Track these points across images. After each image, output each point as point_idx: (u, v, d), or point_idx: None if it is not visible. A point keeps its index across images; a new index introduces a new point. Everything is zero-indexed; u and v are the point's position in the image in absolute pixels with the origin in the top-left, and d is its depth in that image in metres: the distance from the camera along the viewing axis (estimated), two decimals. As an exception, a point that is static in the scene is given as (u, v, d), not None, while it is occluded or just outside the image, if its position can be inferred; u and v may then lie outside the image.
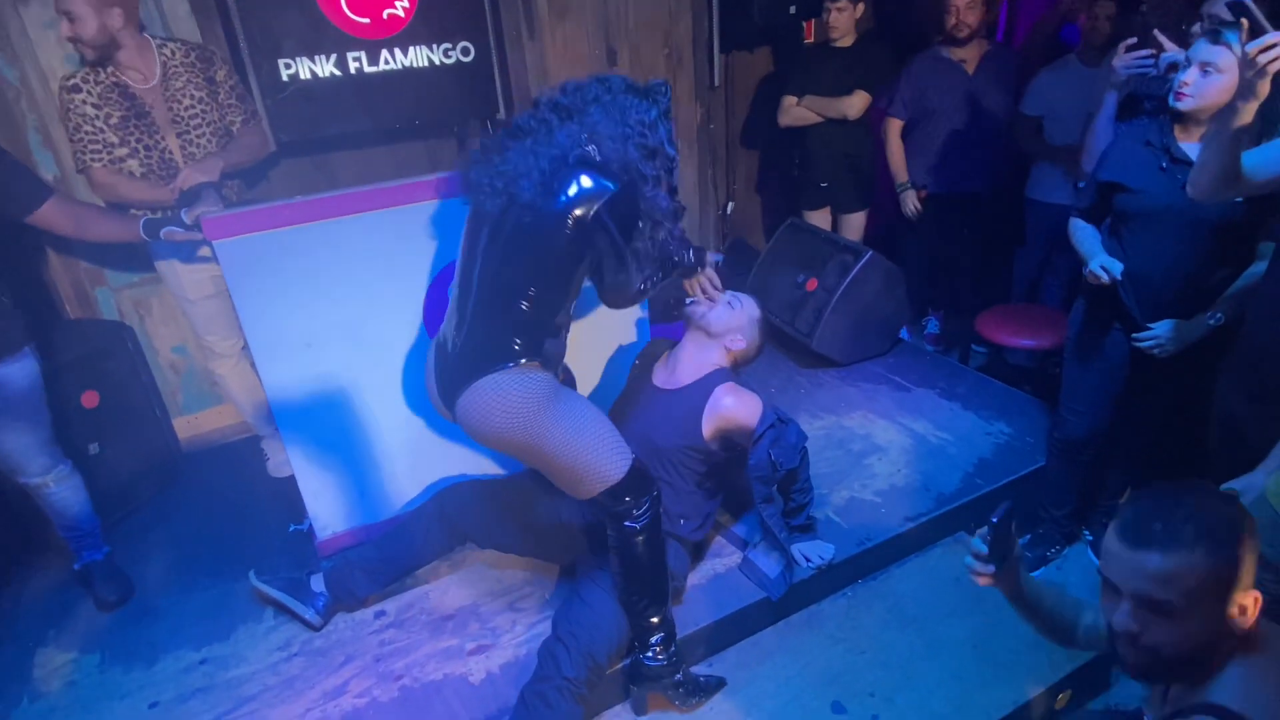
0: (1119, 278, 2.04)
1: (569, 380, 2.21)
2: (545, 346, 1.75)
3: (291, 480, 2.34)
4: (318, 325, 2.14)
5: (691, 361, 2.14)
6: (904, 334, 3.60)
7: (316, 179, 3.11)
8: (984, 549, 1.32)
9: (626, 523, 1.80)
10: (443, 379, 1.81)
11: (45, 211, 2.14)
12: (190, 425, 3.15)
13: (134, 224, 2.26)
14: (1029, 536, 2.69)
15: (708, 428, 2.04)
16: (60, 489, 2.25)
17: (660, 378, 2.20)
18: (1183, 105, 1.92)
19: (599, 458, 1.74)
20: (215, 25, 2.78)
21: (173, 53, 2.41)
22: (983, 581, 1.35)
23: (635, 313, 2.61)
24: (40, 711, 1.99)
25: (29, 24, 2.56)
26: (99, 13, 2.20)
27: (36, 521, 2.45)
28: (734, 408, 2.03)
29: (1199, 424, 2.23)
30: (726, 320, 2.14)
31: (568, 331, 1.86)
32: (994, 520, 1.31)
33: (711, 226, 4.22)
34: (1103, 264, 2.04)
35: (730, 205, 4.23)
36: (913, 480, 2.59)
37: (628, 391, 2.34)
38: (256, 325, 2.08)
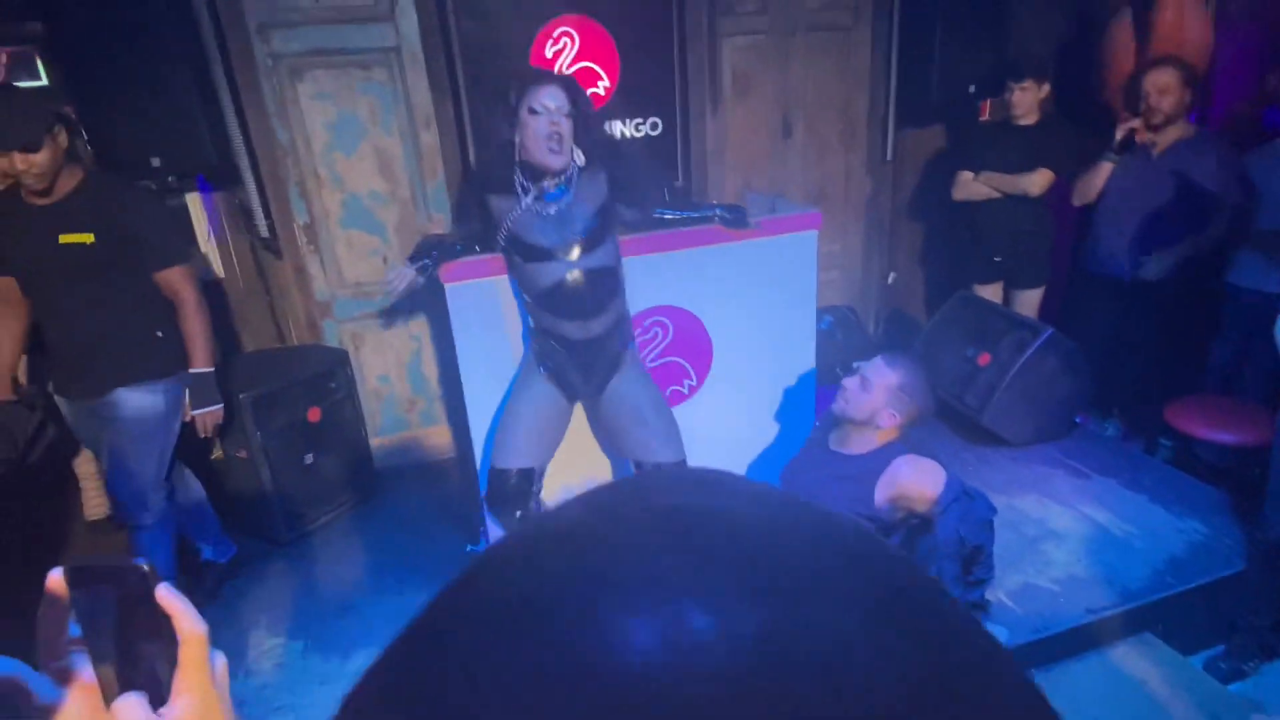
0: None
1: None
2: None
3: (473, 502, 2.54)
4: (511, 360, 2.37)
5: (858, 438, 2.10)
6: (1077, 419, 3.44)
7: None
8: None
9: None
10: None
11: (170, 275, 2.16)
12: (383, 445, 3.47)
13: None
14: (1224, 646, 2.47)
15: (881, 495, 2.01)
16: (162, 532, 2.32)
17: (834, 439, 2.19)
18: None
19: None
20: (446, 103, 3.12)
21: None
22: None
23: (804, 363, 2.70)
24: (254, 688, 2.24)
25: (301, 95, 3.04)
26: None
27: (253, 511, 2.76)
28: (913, 477, 1.99)
29: None
30: (866, 405, 2.04)
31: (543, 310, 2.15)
32: None
33: (873, 295, 4.23)
34: None
35: (892, 275, 4.24)
36: (1094, 571, 2.45)
37: (809, 443, 2.36)
38: (471, 360, 2.33)
